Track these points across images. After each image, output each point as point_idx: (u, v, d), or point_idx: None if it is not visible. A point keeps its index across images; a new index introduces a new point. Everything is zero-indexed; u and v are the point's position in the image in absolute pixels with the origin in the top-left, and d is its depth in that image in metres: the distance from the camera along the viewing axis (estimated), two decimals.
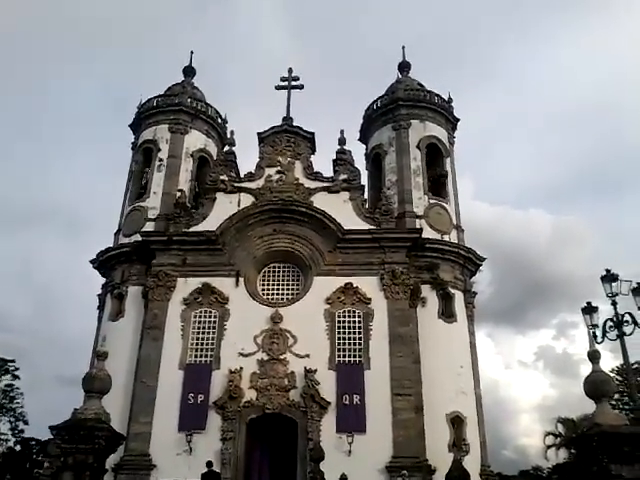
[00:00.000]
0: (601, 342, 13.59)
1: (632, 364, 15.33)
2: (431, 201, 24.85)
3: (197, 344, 21.64)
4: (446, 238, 24.09)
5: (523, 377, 67.15)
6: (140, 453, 19.82)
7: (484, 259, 24.75)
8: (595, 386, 9.26)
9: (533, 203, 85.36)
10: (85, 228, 73.61)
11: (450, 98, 27.91)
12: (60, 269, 70.37)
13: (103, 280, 25.35)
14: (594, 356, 9.50)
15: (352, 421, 19.71)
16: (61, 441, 10.18)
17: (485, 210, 62.48)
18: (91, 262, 25.42)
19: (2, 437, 37.99)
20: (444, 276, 23.16)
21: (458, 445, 20.58)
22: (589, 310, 14.13)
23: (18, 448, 38.31)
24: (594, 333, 13.60)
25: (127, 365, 21.48)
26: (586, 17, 74.59)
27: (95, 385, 10.51)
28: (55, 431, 10.21)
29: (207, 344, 21.59)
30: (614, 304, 13.60)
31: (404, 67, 29.78)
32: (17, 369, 38.81)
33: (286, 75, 27.12)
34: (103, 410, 10.44)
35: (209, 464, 17.99)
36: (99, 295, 25.41)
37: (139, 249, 23.58)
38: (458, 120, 27.87)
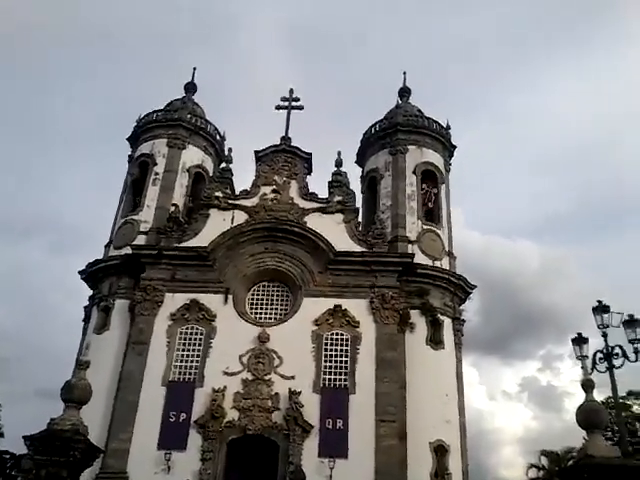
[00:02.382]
0: (590, 374, 13.42)
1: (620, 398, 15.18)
2: (424, 227, 24.83)
3: (182, 361, 21.26)
4: (437, 264, 24.01)
5: (506, 408, 66.37)
6: (117, 470, 19.25)
7: (474, 287, 24.70)
8: (588, 416, 9.02)
9: (522, 234, 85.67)
10: (73, 240, 72.68)
11: (448, 125, 28.10)
12: (47, 281, 69.32)
13: (90, 292, 25.03)
14: (588, 385, 9.26)
15: (334, 446, 19.33)
16: (34, 452, 9.78)
17: (475, 238, 62.44)
18: (80, 273, 25.07)
19: None
20: (434, 302, 23.01)
21: (440, 474, 20.22)
22: (579, 341, 14.02)
23: None
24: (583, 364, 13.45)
25: (109, 379, 21.01)
26: (588, 52, 76.12)
27: (74, 394, 10.18)
28: (29, 442, 9.82)
29: (192, 361, 21.21)
30: (605, 335, 13.50)
31: (404, 92, 30.00)
32: None
33: (287, 95, 27.35)
34: (81, 421, 10.08)
35: None
36: (85, 307, 25.04)
37: (129, 262, 23.30)
38: (455, 147, 28.03)
